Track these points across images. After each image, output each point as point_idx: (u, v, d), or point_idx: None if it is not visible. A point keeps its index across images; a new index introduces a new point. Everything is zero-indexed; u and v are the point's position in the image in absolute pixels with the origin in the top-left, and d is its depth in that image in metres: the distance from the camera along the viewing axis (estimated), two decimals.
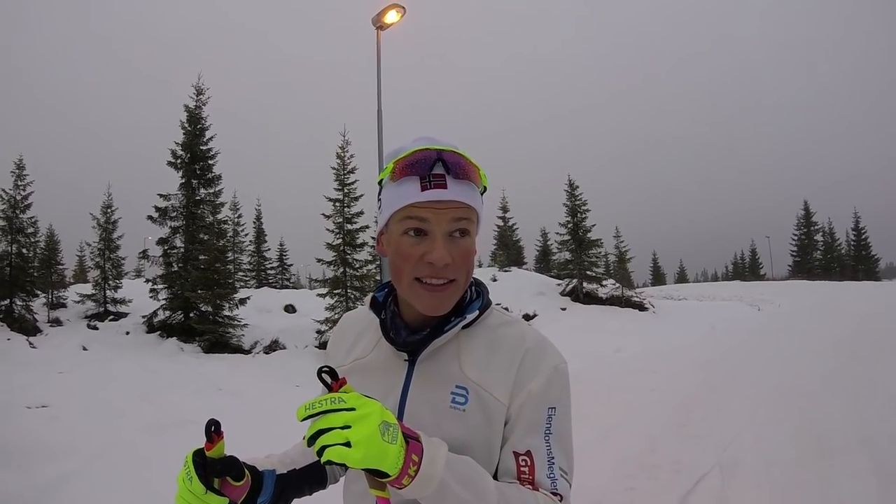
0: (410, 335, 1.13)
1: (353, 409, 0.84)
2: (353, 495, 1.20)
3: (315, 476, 1.28)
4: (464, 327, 1.13)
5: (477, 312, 1.14)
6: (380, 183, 1.14)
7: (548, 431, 1.07)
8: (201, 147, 15.07)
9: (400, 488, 0.87)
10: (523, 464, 1.05)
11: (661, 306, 21.16)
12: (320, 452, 0.83)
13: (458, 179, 1.05)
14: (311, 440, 0.84)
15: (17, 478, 4.78)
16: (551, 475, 1.04)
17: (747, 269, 67.14)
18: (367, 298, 1.25)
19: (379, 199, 1.13)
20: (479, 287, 1.21)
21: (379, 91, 11.59)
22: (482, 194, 1.14)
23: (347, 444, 0.82)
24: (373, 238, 16.68)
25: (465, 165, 1.05)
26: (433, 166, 1.04)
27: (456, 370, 1.11)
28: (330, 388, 0.89)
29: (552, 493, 1.03)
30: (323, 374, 0.91)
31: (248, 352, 12.73)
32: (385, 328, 1.16)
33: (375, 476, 0.86)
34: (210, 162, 15.17)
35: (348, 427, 0.82)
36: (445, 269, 1.05)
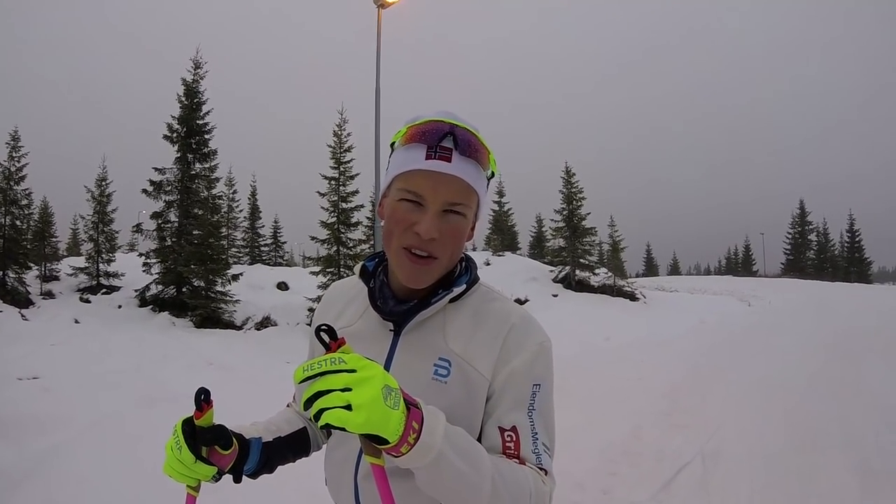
0: (398, 305, 1.14)
1: (353, 371, 0.80)
2: (335, 462, 1.21)
3: (299, 443, 1.31)
4: (451, 301, 1.14)
5: (464, 286, 1.14)
6: (392, 145, 1.13)
7: (531, 408, 1.08)
8: (197, 121, 14.95)
9: (397, 456, 0.84)
10: (508, 439, 1.05)
11: (652, 297, 21.27)
12: (318, 416, 0.79)
13: (463, 157, 1.05)
14: (309, 403, 0.80)
15: (9, 449, 4.79)
16: (536, 450, 1.05)
17: (740, 265, 67.62)
18: (357, 267, 1.24)
19: (389, 160, 1.13)
20: (468, 262, 1.21)
21: (378, 70, 11.54)
22: (489, 180, 1.14)
23: (348, 408, 0.78)
24: (367, 218, 16.67)
25: (475, 144, 1.06)
26: (443, 138, 1.04)
27: (440, 342, 1.12)
28: (328, 348, 0.85)
29: (538, 467, 1.04)
30: (321, 333, 0.86)
31: (239, 328, 12.76)
32: (373, 297, 1.17)
33: (373, 442, 0.83)
34: (206, 136, 15.06)
35: (349, 389, 0.79)
36: (430, 244, 1.05)
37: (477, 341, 1.11)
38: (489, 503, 0.93)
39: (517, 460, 1.04)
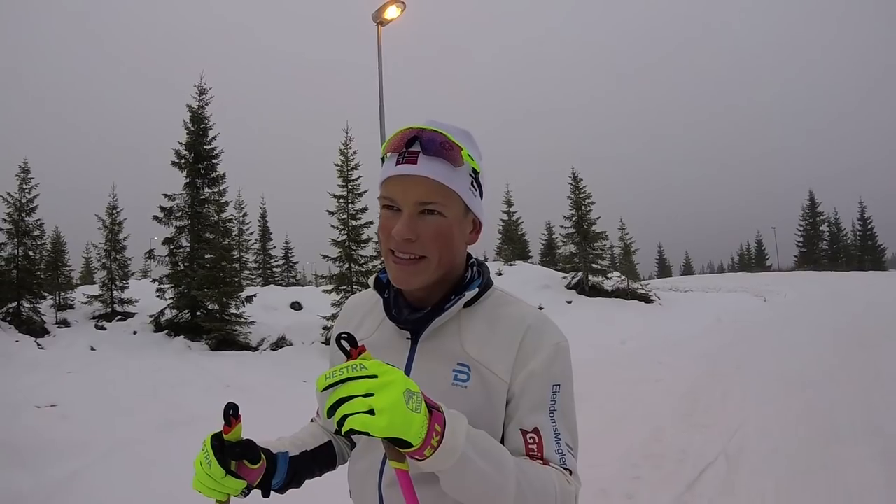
0: (413, 313, 1.14)
1: (375, 377, 0.82)
2: (358, 474, 1.21)
3: (325, 457, 1.32)
4: (466, 306, 1.14)
5: (477, 290, 1.14)
6: (382, 159, 1.16)
7: (552, 409, 1.08)
8: (205, 146, 15.00)
9: (421, 459, 0.85)
10: (531, 441, 1.05)
11: (666, 298, 21.15)
12: (341, 422, 0.80)
13: (429, 156, 1.07)
14: (332, 410, 0.81)
15: (27, 476, 4.82)
16: (559, 451, 1.05)
17: (753, 261, 67.32)
18: (372, 279, 1.25)
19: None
20: (480, 267, 1.22)
21: (381, 87, 11.57)
22: (476, 177, 1.14)
23: (371, 413, 0.79)
24: (377, 234, 16.70)
25: (441, 143, 1.06)
26: (410, 143, 1.07)
27: (457, 348, 1.12)
28: (349, 356, 0.87)
29: (562, 468, 1.04)
30: (342, 342, 0.88)
31: (255, 349, 12.75)
32: (388, 307, 1.18)
33: (397, 446, 0.84)
34: (214, 161, 15.10)
35: (371, 395, 0.80)
36: (409, 245, 1.08)
37: (493, 345, 1.11)
38: (515, 502, 0.94)
39: (541, 461, 1.04)
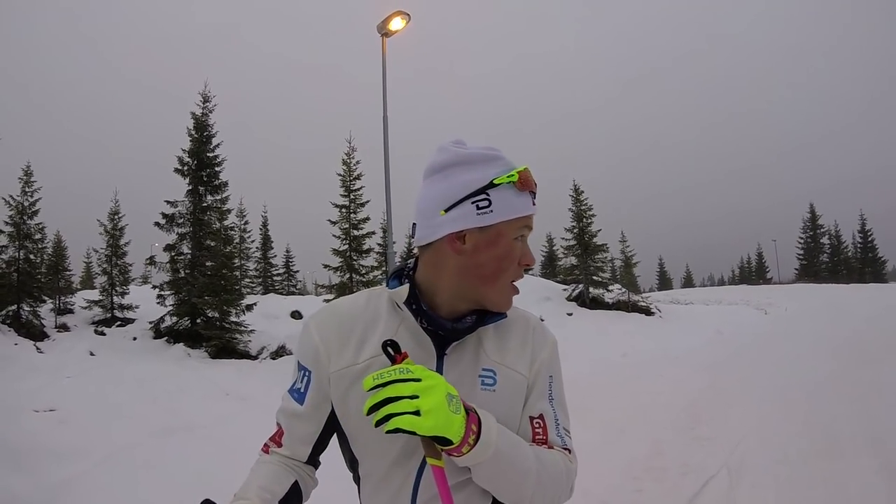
0: (456, 323, 1.15)
1: (419, 380, 0.92)
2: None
3: (295, 501, 1.19)
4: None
5: None
6: (491, 183, 1.11)
7: (551, 396, 1.22)
8: (208, 154, 14.97)
9: (458, 455, 0.96)
10: (537, 426, 1.17)
11: (667, 311, 21.11)
12: (384, 421, 0.90)
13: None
14: (375, 408, 0.91)
15: (25, 480, 4.79)
16: (559, 434, 1.19)
17: (754, 273, 67.33)
18: (403, 290, 1.15)
19: (486, 198, 1.10)
20: None
21: (385, 98, 11.60)
22: None
23: (416, 413, 0.89)
24: (379, 245, 16.60)
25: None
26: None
27: (481, 355, 1.19)
28: (393, 361, 0.97)
29: (563, 448, 1.18)
30: (387, 348, 0.99)
31: (254, 357, 12.70)
32: (421, 319, 1.14)
33: (438, 444, 0.94)
34: (217, 169, 15.07)
35: (416, 397, 0.90)
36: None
37: (511, 347, 1.22)
38: (536, 486, 1.07)
39: (545, 445, 1.16)
